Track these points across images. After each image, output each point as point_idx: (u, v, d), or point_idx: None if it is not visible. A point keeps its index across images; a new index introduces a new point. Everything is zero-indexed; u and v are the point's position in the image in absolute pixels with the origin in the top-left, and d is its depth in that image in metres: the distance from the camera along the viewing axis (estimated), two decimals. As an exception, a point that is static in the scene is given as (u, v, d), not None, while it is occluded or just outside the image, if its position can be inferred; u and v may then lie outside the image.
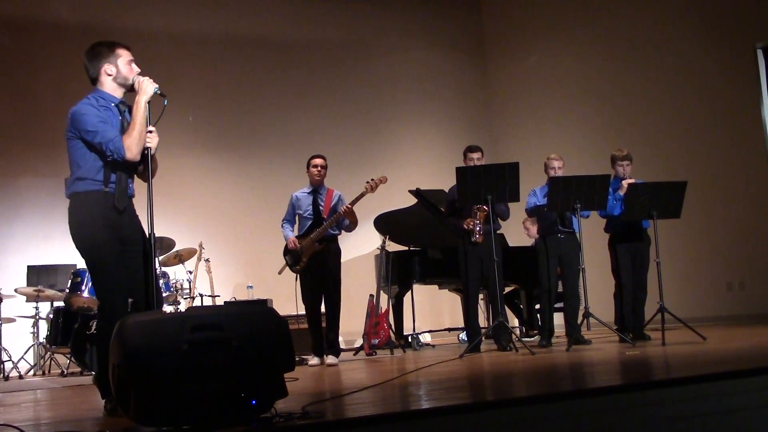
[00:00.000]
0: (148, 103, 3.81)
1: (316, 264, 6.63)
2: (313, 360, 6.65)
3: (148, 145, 3.80)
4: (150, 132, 3.82)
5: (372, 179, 6.68)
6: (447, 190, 7.23)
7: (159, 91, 3.84)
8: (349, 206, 6.55)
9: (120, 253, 3.78)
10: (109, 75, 3.86)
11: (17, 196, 9.26)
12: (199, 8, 10.41)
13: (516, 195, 6.34)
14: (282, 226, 6.91)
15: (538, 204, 6.82)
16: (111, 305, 3.76)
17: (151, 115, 3.84)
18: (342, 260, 6.82)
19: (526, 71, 11.57)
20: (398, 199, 8.63)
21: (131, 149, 3.74)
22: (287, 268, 6.86)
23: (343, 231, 6.80)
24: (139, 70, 3.91)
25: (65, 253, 8.88)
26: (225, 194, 10.14)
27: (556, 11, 11.17)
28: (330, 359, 6.52)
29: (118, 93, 3.89)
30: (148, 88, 3.82)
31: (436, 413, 2.74)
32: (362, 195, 6.60)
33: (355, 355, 7.64)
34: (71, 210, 3.80)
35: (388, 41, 11.56)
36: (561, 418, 2.80)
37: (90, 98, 3.85)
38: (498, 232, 6.76)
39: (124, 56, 3.89)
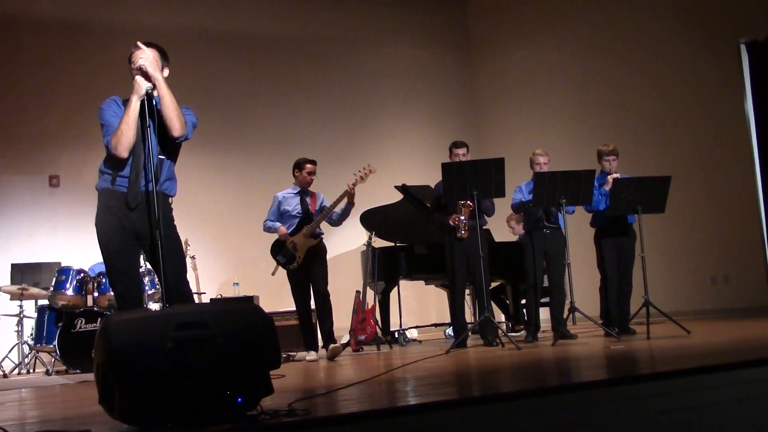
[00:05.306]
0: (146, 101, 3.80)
1: (305, 260, 6.64)
2: (310, 354, 6.67)
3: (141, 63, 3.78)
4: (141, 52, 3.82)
5: (360, 170, 6.72)
6: (433, 186, 7.23)
7: (151, 90, 3.84)
8: (352, 186, 6.57)
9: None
10: None
11: (0, 193, 9.18)
12: (182, 4, 10.33)
13: (502, 191, 6.35)
14: (265, 224, 6.87)
15: (523, 200, 6.83)
16: (123, 298, 3.84)
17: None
18: (327, 257, 6.85)
19: (512, 67, 11.58)
20: (384, 194, 8.61)
21: (116, 147, 3.79)
22: (280, 267, 6.79)
23: (330, 226, 6.87)
24: (138, 65, 3.84)
25: (49, 251, 8.81)
26: (210, 191, 10.08)
27: (541, 7, 11.18)
28: (333, 346, 6.58)
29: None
30: (139, 88, 3.82)
31: (423, 409, 2.74)
32: (355, 184, 6.64)
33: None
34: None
35: (373, 37, 11.53)
36: (547, 412, 2.81)
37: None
38: (484, 227, 6.77)
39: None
